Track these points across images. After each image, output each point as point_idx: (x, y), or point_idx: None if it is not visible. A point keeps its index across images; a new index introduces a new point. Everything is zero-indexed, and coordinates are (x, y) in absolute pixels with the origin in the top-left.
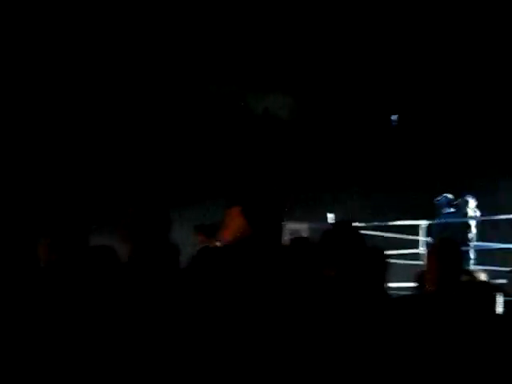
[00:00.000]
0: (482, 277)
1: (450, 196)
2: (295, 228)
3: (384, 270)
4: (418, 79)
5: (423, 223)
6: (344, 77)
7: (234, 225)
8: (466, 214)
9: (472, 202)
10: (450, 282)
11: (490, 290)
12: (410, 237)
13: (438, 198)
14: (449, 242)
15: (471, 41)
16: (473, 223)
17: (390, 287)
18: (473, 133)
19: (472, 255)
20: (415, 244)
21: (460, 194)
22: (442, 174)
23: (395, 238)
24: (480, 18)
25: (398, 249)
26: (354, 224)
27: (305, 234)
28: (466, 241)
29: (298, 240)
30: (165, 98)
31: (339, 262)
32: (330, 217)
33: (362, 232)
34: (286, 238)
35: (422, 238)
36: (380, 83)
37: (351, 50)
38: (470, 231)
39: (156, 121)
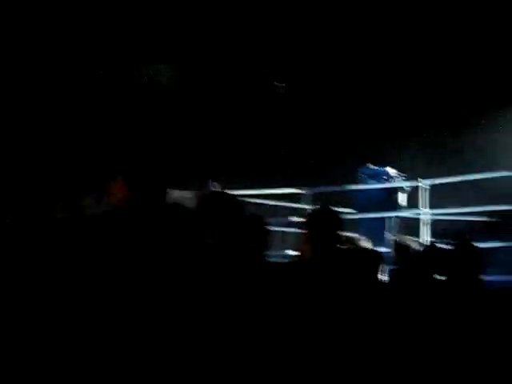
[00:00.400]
0: (366, 244)
1: (372, 166)
2: (179, 196)
3: (264, 237)
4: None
5: (307, 192)
6: (229, 43)
7: (115, 193)
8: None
9: (391, 170)
10: (325, 249)
11: (371, 257)
12: (296, 205)
13: (362, 171)
14: (323, 209)
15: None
16: (401, 192)
17: (275, 254)
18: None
19: (395, 223)
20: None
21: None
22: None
23: (283, 206)
24: None
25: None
26: (235, 192)
27: (189, 202)
28: (390, 209)
29: (175, 207)
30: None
31: (215, 228)
32: (214, 184)
33: (250, 200)
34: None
35: (306, 206)
36: (265, 50)
37: (233, 16)
38: (394, 199)
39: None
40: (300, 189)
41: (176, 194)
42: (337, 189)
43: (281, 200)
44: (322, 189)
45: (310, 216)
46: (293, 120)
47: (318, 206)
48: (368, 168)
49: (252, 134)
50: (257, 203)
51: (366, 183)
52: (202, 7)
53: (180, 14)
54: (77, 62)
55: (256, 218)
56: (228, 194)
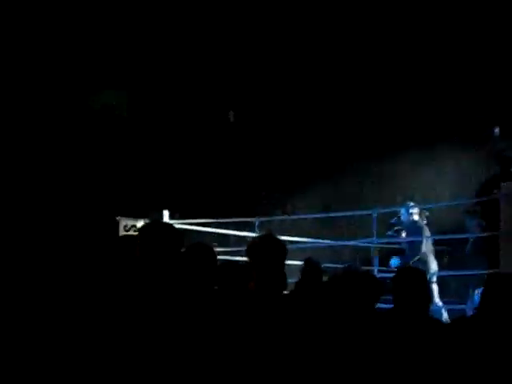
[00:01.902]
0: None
1: (411, 203)
2: (131, 224)
3: (212, 265)
4: (259, 76)
5: (256, 220)
6: (181, 73)
7: None
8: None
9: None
10: (267, 277)
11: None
12: (245, 233)
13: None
14: (264, 237)
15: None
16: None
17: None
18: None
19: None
20: None
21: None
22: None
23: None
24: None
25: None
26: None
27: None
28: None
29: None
30: None
31: (157, 258)
32: (165, 214)
33: (199, 229)
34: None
35: (253, 234)
36: (219, 79)
37: (186, 46)
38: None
39: None
40: (251, 218)
41: (128, 222)
42: (285, 218)
43: (233, 228)
44: (271, 218)
45: (251, 244)
46: (246, 148)
47: (261, 234)
48: (408, 205)
49: (207, 161)
50: (209, 232)
51: (409, 219)
52: (155, 35)
53: (134, 42)
54: (29, 90)
55: (202, 247)
56: (164, 224)
